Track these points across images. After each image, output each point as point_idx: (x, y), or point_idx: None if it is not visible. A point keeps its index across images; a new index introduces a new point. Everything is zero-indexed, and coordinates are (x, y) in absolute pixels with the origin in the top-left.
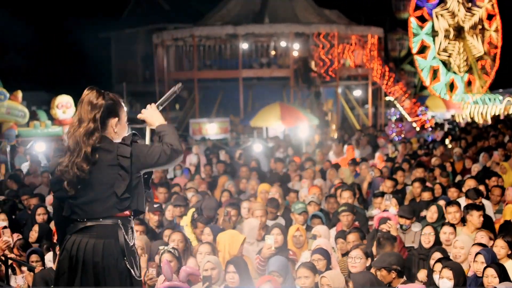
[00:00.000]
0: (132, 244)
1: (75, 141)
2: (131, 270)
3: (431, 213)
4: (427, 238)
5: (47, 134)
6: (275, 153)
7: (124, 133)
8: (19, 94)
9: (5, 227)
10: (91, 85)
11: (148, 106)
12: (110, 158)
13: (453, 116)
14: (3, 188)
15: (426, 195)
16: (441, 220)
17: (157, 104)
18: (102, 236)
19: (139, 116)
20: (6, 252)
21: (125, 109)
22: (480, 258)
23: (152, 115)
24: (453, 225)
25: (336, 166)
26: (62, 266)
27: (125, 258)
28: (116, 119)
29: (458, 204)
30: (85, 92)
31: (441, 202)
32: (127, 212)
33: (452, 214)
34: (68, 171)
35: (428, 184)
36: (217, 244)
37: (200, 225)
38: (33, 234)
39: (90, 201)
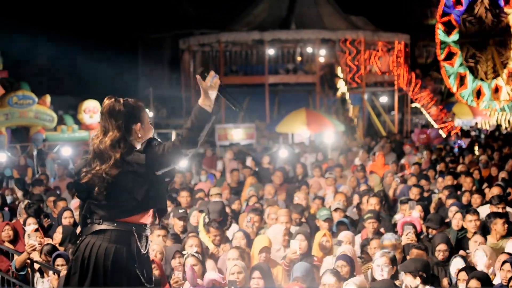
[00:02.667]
0: (145, 252)
1: (103, 151)
2: (141, 277)
3: (456, 221)
4: (442, 254)
5: (74, 138)
6: (301, 158)
7: (149, 135)
8: (48, 98)
9: (36, 230)
10: (110, 94)
11: (216, 78)
12: (131, 164)
13: (476, 123)
14: (30, 192)
15: (450, 202)
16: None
17: (222, 88)
18: (114, 241)
19: (208, 80)
20: (33, 256)
21: (148, 112)
22: (507, 266)
23: (211, 96)
24: (483, 235)
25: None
26: (74, 266)
27: (135, 265)
28: (139, 124)
29: (478, 213)
30: (105, 101)
31: (453, 209)
32: (145, 218)
33: (473, 222)
34: (98, 177)
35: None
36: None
37: (212, 229)
38: (57, 236)
39: (110, 204)
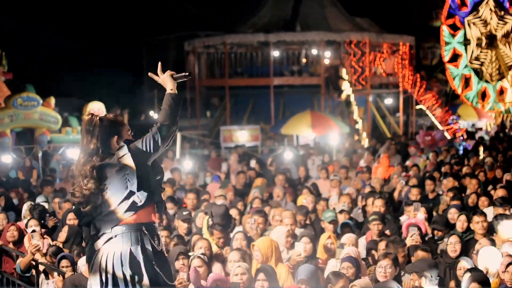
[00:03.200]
0: (160, 249)
1: (79, 168)
2: (162, 275)
3: (460, 223)
4: (453, 247)
5: (78, 140)
6: (308, 161)
7: None
8: (52, 100)
9: (33, 231)
10: (89, 112)
11: (168, 72)
12: (115, 165)
13: (473, 125)
14: (36, 193)
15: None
16: (471, 229)
17: (172, 73)
18: (127, 244)
19: (159, 71)
20: (37, 257)
21: (126, 125)
22: None
23: (168, 80)
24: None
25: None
26: (94, 280)
27: (153, 263)
28: (116, 137)
29: (485, 214)
30: (83, 119)
31: (452, 210)
32: (150, 215)
33: (480, 224)
34: (82, 195)
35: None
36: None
37: (216, 232)
38: (62, 234)
39: (113, 211)
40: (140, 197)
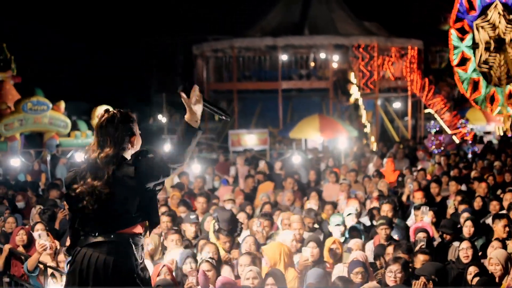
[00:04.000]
0: (141, 261)
1: (98, 167)
2: (141, 286)
3: (467, 229)
4: (465, 252)
5: (87, 144)
6: (321, 164)
7: (139, 146)
8: (62, 104)
9: (39, 235)
10: (106, 108)
11: (197, 92)
12: (122, 178)
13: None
14: (44, 197)
15: (463, 208)
16: (478, 233)
17: (206, 100)
18: (113, 253)
19: (192, 96)
20: (46, 260)
21: (137, 124)
22: None
23: (198, 112)
24: (502, 240)
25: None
26: (71, 279)
27: (135, 276)
28: (134, 136)
29: (508, 217)
30: (101, 115)
31: (465, 215)
32: (139, 228)
33: (501, 228)
34: (89, 193)
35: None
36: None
37: (222, 236)
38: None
39: (104, 217)
40: (133, 219)
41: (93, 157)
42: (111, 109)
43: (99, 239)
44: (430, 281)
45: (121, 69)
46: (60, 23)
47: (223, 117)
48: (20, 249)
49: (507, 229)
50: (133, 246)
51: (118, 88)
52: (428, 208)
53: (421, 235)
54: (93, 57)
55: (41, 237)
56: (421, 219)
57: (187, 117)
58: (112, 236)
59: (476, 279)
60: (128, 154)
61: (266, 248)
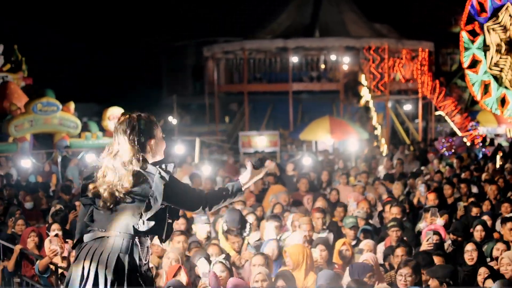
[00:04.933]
0: (146, 262)
1: (116, 167)
2: (143, 286)
3: (478, 233)
4: (469, 255)
5: (98, 145)
6: (326, 166)
7: (161, 149)
8: (72, 105)
9: (56, 235)
10: (124, 111)
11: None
12: (145, 187)
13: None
14: (55, 198)
15: (474, 210)
16: (488, 237)
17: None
18: (117, 250)
19: (262, 171)
20: (57, 261)
21: (160, 127)
22: None
23: (253, 178)
24: (506, 242)
25: (389, 179)
26: (74, 272)
27: (138, 275)
28: (154, 140)
29: None
30: (120, 117)
31: (485, 217)
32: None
33: (507, 231)
34: (108, 191)
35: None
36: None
37: (231, 237)
38: None
39: (117, 216)
40: (141, 226)
41: (111, 157)
42: (133, 113)
43: (106, 234)
44: (444, 284)
45: (132, 71)
46: (72, 24)
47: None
48: (31, 247)
49: None
50: (139, 245)
51: (129, 90)
52: (437, 209)
53: (434, 238)
54: (103, 58)
55: (52, 242)
56: (431, 222)
57: (243, 180)
58: (119, 233)
59: (489, 280)
60: (149, 157)
61: (289, 249)
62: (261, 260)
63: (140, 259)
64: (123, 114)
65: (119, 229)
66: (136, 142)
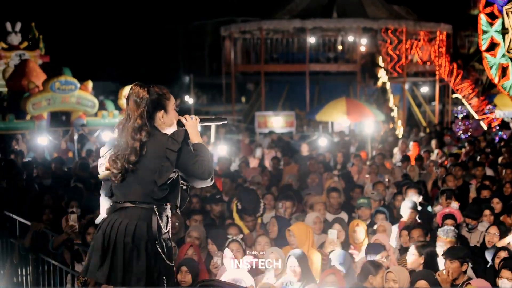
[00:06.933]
0: (166, 231)
1: (124, 137)
2: (162, 254)
3: (487, 217)
4: (491, 238)
5: (114, 124)
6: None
7: (173, 122)
8: (89, 84)
9: (72, 212)
10: (137, 82)
11: (193, 117)
12: (159, 149)
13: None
14: (72, 176)
15: (485, 193)
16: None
17: (200, 119)
18: (135, 218)
19: (181, 118)
20: (72, 237)
21: (173, 99)
22: None
23: (193, 127)
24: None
25: (406, 160)
26: (96, 243)
27: (156, 242)
28: (163, 111)
29: None
30: (131, 88)
31: (495, 200)
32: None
33: None
34: (117, 163)
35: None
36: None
37: (245, 216)
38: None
39: (131, 186)
40: (157, 193)
41: (121, 127)
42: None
43: (125, 205)
44: (465, 264)
45: (149, 50)
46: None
47: (221, 122)
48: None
49: None
50: (157, 214)
51: (146, 69)
52: (451, 192)
53: (449, 222)
54: (121, 37)
55: (71, 219)
56: (447, 205)
57: (193, 139)
58: (137, 203)
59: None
60: (161, 128)
61: (293, 228)
62: (268, 239)
63: (159, 227)
64: (135, 85)
65: (136, 198)
66: (145, 113)
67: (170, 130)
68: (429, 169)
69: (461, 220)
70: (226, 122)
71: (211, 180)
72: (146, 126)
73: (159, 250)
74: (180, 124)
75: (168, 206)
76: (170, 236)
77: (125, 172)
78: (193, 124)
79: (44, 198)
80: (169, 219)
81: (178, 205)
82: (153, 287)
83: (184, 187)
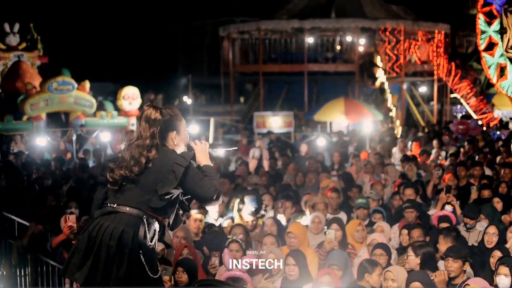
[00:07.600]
0: (152, 243)
1: (130, 151)
2: (145, 265)
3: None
4: (490, 237)
5: (112, 124)
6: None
7: (184, 142)
8: (87, 84)
9: (71, 213)
10: (149, 103)
11: (203, 142)
12: (166, 163)
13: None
14: (71, 176)
15: (486, 193)
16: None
17: (210, 145)
18: (123, 224)
19: (190, 143)
20: (71, 238)
21: (184, 121)
22: None
23: (203, 151)
24: None
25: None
26: (80, 244)
27: (140, 252)
28: (175, 132)
29: None
30: (144, 109)
31: (496, 200)
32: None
33: None
34: (116, 171)
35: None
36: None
37: (246, 216)
38: None
39: (128, 191)
40: (154, 202)
41: (130, 143)
42: (158, 106)
43: (115, 209)
44: (466, 263)
45: (147, 50)
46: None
47: (232, 149)
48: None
49: None
50: (146, 224)
51: (144, 69)
52: (450, 189)
53: (444, 224)
54: (119, 37)
55: (70, 219)
56: (447, 198)
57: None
58: (127, 208)
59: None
60: (173, 147)
61: (292, 229)
62: (272, 240)
63: (145, 237)
64: (147, 106)
65: (129, 203)
66: (157, 133)
67: (179, 149)
68: (430, 169)
69: (455, 222)
70: (236, 148)
71: (218, 198)
72: (158, 145)
73: (142, 260)
74: (189, 148)
75: (157, 222)
76: (156, 250)
77: (125, 180)
78: (202, 149)
79: (46, 198)
80: (156, 234)
81: (170, 222)
82: None
83: (181, 212)
